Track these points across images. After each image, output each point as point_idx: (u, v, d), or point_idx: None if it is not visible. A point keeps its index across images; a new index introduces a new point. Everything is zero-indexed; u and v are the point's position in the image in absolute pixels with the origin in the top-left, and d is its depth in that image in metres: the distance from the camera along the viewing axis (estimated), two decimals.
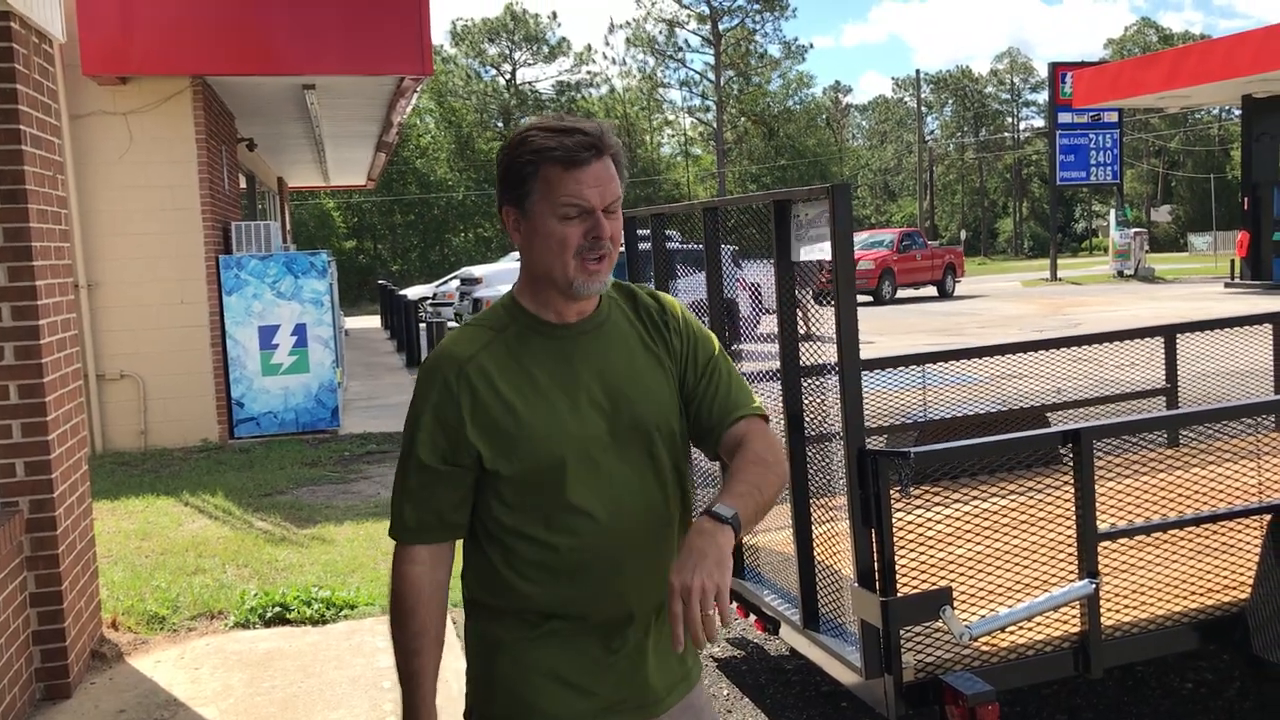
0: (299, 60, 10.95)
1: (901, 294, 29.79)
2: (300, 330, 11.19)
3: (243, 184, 15.54)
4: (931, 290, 30.75)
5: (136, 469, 9.88)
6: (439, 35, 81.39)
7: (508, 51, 62.70)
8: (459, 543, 2.10)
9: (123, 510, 8.14)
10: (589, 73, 63.59)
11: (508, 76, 62.69)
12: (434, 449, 1.98)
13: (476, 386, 1.95)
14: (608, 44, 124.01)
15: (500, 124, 60.23)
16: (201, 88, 10.87)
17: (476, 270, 22.86)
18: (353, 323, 28.16)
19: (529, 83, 63.14)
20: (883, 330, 19.37)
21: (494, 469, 1.96)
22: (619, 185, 1.97)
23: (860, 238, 32.60)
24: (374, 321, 29.83)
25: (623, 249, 2.06)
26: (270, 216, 20.73)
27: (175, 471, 9.66)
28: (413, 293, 27.09)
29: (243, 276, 11.02)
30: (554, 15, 64.71)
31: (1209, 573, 3.68)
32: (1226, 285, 26.88)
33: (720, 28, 64.01)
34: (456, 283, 24.54)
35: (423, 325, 17.40)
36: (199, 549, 7.00)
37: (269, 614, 5.71)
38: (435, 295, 27.24)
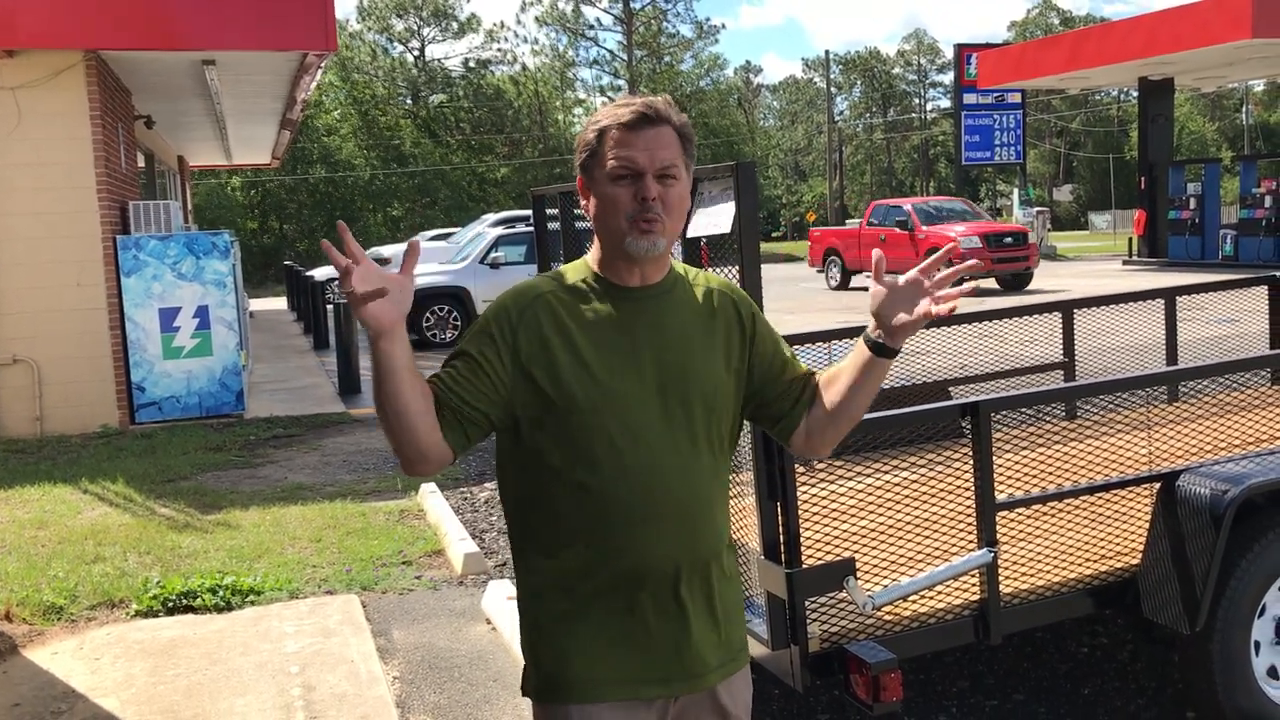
0: (198, 35, 10.66)
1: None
2: (203, 312, 10.93)
3: (141, 162, 15.12)
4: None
5: (32, 456, 9.58)
6: (345, 10, 79.99)
7: (416, 27, 61.76)
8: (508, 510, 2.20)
9: (17, 499, 7.89)
10: (499, 50, 62.97)
11: (416, 53, 61.77)
12: (479, 344, 2.07)
13: (539, 316, 2.08)
14: (519, 21, 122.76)
15: (409, 101, 59.34)
16: (95, 62, 10.51)
17: (385, 250, 22.46)
18: (258, 304, 27.58)
19: (438, 59, 62.30)
20: (793, 309, 19.58)
21: (537, 396, 2.05)
22: (677, 155, 2.07)
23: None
24: (281, 303, 29.25)
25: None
26: (170, 196, 20.20)
27: (74, 458, 9.39)
28: (320, 274, 26.52)
29: (142, 257, 10.72)
30: None
31: (1103, 540, 3.79)
32: (1125, 263, 27.66)
33: (632, 7, 63.82)
34: None
35: (330, 306, 17.07)
36: (99, 537, 6.82)
37: (173, 602, 5.60)
38: None
